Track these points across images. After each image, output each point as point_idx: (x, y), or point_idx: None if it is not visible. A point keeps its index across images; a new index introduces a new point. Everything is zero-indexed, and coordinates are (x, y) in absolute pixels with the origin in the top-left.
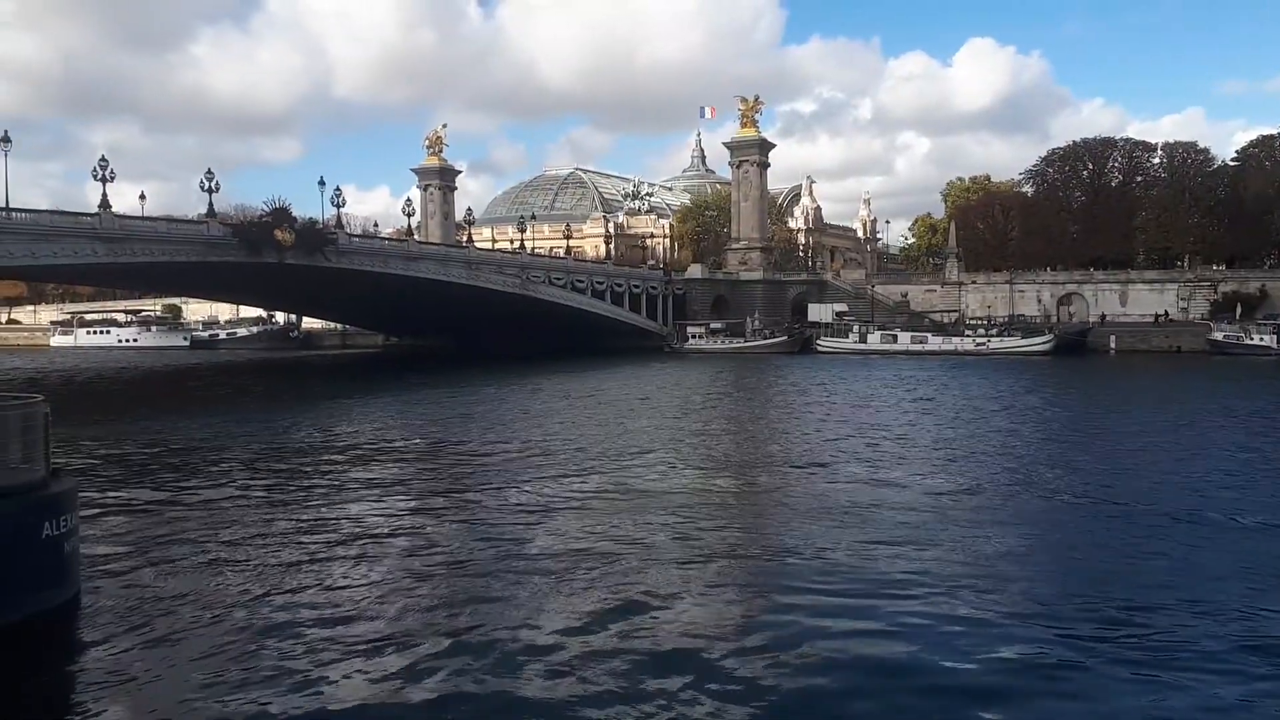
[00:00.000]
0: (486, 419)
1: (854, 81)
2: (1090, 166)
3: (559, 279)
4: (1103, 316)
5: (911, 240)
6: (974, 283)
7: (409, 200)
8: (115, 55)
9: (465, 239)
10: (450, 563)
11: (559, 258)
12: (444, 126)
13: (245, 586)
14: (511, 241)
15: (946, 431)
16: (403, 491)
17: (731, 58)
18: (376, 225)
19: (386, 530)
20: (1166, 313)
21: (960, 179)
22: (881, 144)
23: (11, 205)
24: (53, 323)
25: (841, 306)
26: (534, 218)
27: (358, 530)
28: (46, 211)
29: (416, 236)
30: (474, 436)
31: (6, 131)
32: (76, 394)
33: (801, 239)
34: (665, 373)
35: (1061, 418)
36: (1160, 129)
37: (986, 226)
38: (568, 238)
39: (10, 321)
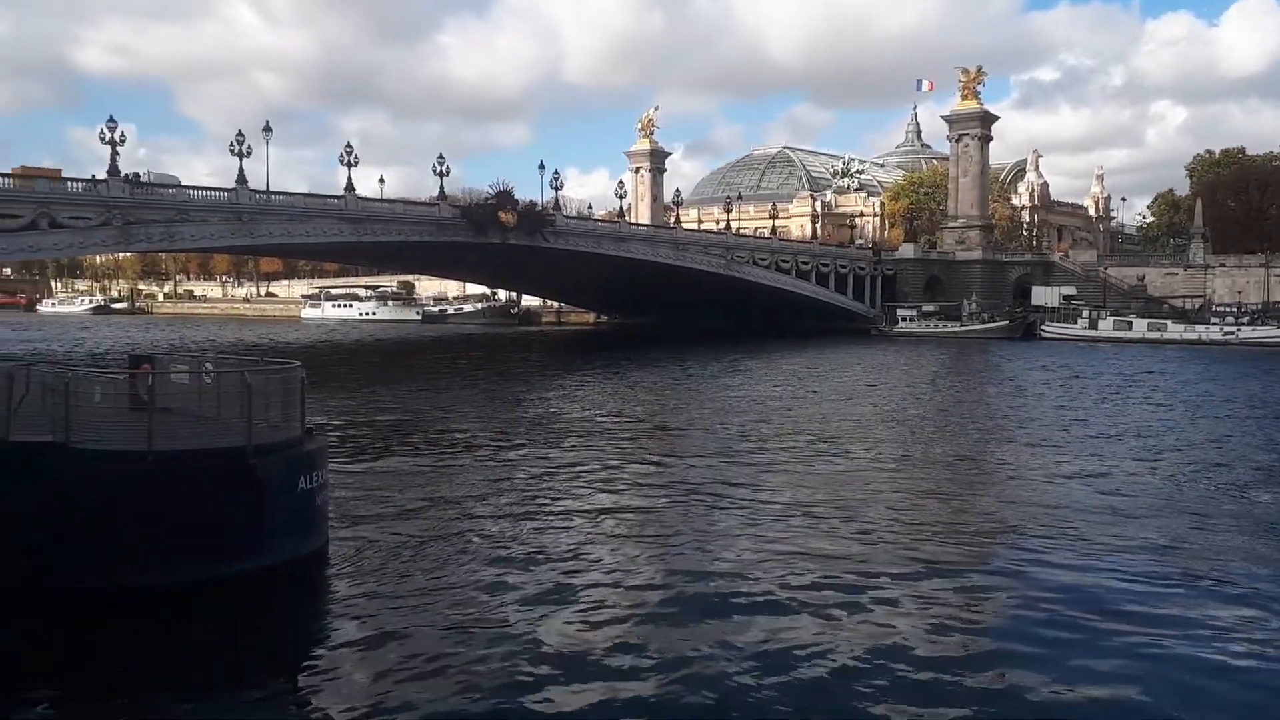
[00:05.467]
0: (701, 398)
1: (1106, 47)
2: None
3: (763, 259)
4: None
5: (1150, 219)
6: (1222, 266)
7: (621, 183)
8: (371, 48)
9: (673, 220)
10: (675, 539)
11: (764, 238)
12: (655, 109)
13: (479, 547)
14: (717, 222)
15: (1197, 433)
16: (630, 465)
17: (968, 27)
18: (590, 207)
19: (615, 502)
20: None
21: (1209, 152)
22: (1131, 114)
23: (271, 189)
24: (303, 296)
25: (1069, 289)
26: (740, 198)
27: (588, 498)
28: (300, 195)
29: (628, 218)
30: (690, 415)
31: (268, 122)
32: (326, 361)
33: (1025, 217)
34: (875, 356)
35: None
36: None
37: (1239, 204)
38: (773, 217)
39: (268, 294)
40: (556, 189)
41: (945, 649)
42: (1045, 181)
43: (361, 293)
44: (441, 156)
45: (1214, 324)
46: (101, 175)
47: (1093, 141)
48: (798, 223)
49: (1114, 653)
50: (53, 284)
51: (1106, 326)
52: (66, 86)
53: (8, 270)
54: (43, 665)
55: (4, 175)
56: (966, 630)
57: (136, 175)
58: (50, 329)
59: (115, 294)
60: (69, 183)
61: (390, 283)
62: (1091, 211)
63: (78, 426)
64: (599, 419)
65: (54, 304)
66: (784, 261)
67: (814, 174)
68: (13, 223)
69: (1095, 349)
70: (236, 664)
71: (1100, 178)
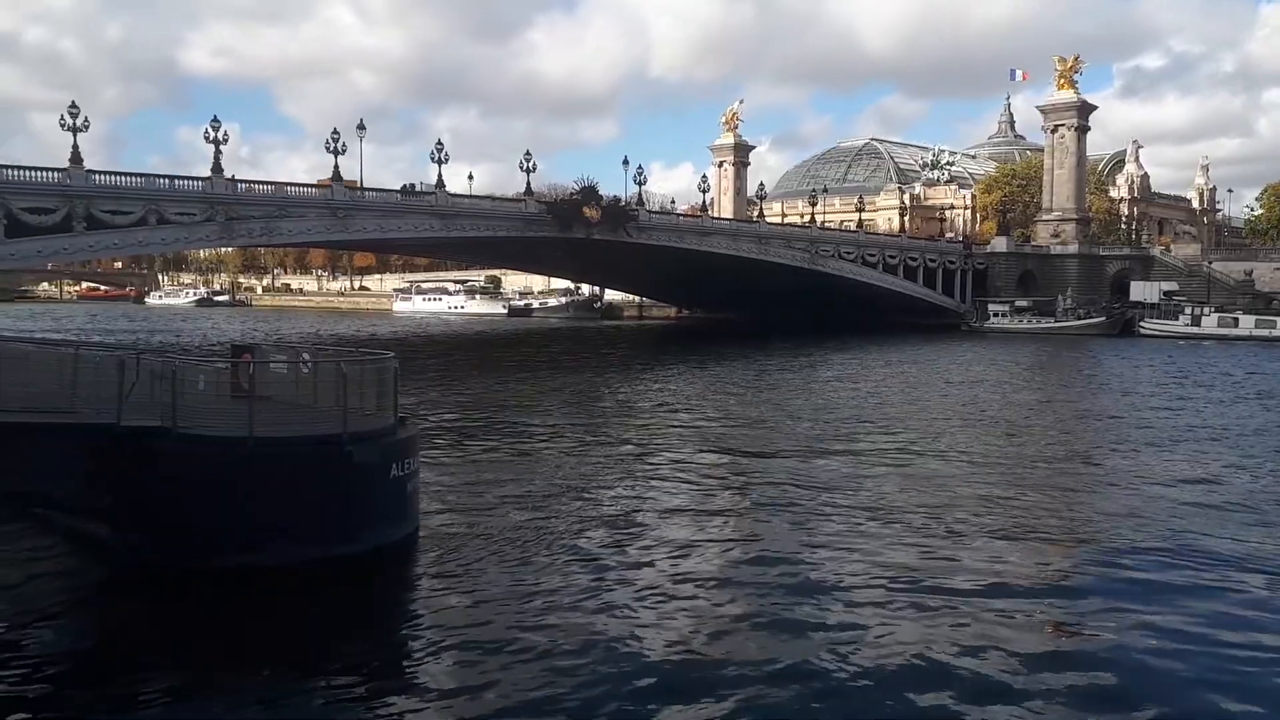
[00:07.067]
0: (789, 394)
1: (1216, 32)
2: None
3: (849, 253)
4: None
5: (1258, 212)
6: None
7: (704, 177)
8: (463, 45)
9: (756, 214)
10: (764, 539)
11: (849, 231)
12: (740, 103)
13: (566, 539)
14: (801, 216)
15: None
16: (720, 461)
17: (1069, 14)
18: (673, 202)
19: (706, 500)
20: None
21: None
22: (1242, 102)
23: (365, 185)
24: (395, 290)
25: (1171, 285)
26: (825, 191)
27: (677, 493)
28: (392, 190)
29: (710, 212)
30: (779, 411)
31: (362, 120)
32: (417, 353)
33: (1124, 210)
34: (966, 353)
35: None
36: None
37: None
38: (859, 210)
39: (362, 288)
40: (640, 184)
41: (1040, 666)
42: (1146, 173)
43: (451, 287)
44: (528, 153)
45: None
46: (206, 174)
47: (1199, 131)
48: (885, 216)
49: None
50: (160, 277)
51: (1210, 323)
52: (175, 88)
53: (118, 264)
54: (147, 642)
55: (309, 186)
56: (1061, 647)
57: (412, 186)
58: (158, 320)
59: (217, 287)
60: (175, 180)
61: (478, 277)
62: (1195, 204)
63: (184, 412)
64: (685, 413)
65: (161, 296)
66: (870, 255)
67: (902, 166)
68: (124, 219)
69: (1198, 347)
70: (327, 647)
71: (1205, 168)
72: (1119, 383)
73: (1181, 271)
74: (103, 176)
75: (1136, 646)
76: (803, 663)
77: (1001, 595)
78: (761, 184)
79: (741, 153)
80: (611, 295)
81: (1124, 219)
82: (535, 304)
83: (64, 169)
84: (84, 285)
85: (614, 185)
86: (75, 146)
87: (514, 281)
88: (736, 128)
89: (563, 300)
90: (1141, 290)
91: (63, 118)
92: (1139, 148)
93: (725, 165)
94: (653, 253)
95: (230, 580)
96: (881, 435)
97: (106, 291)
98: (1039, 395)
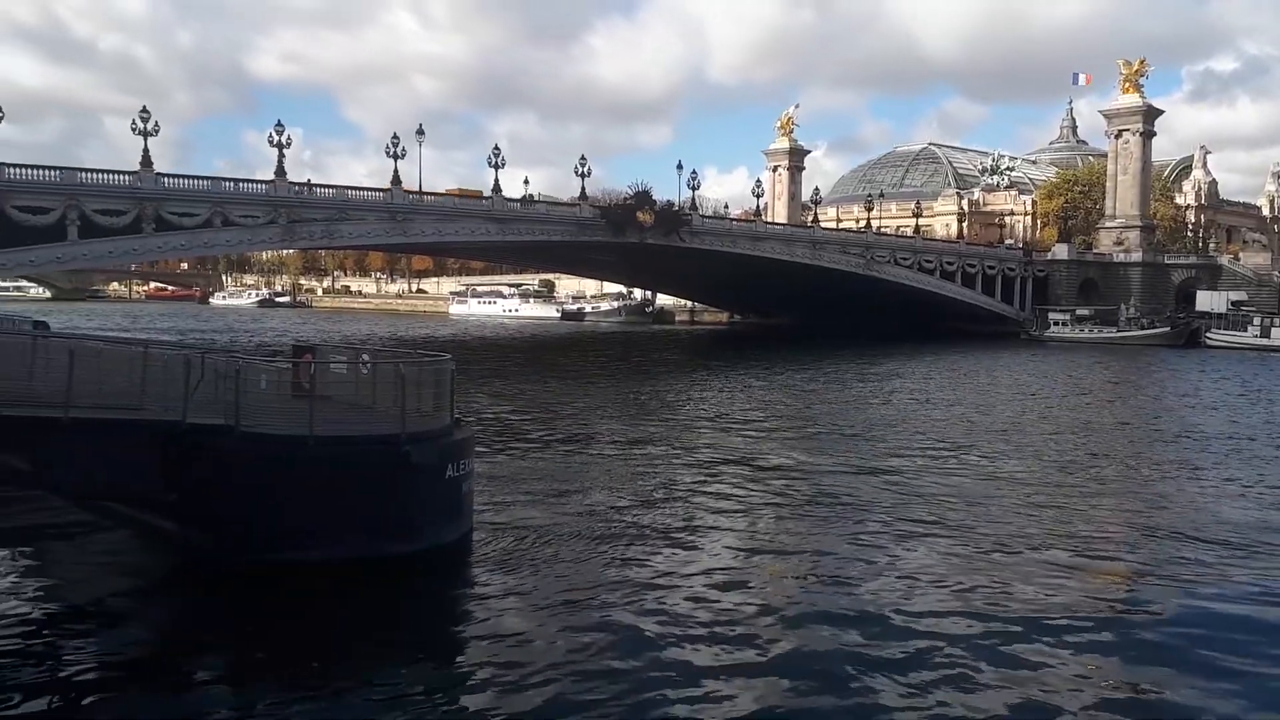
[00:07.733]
0: (845, 403)
1: None
2: None
3: (905, 259)
4: None
5: None
6: None
7: (758, 181)
8: (523, 50)
9: (811, 219)
10: (818, 554)
11: (906, 237)
12: (795, 108)
13: (618, 545)
14: (857, 221)
15: None
16: (779, 471)
17: (1138, 16)
18: (727, 207)
19: (763, 509)
20: None
21: None
22: None
23: (423, 190)
24: (451, 293)
25: (1239, 295)
26: (881, 196)
27: (732, 500)
28: (450, 195)
29: (764, 217)
30: (835, 420)
31: (421, 125)
32: (472, 355)
33: (1190, 217)
34: (1026, 363)
35: None
36: None
37: None
38: (916, 216)
39: (419, 291)
40: (694, 189)
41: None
42: (1214, 179)
43: (505, 290)
44: (583, 158)
45: None
46: (270, 177)
47: (1271, 136)
48: (942, 221)
49: None
50: (224, 278)
51: None
52: (243, 92)
53: (184, 265)
54: (207, 636)
55: (369, 189)
56: (1125, 684)
57: (531, 197)
58: (222, 320)
59: (279, 288)
60: (240, 183)
61: (532, 281)
62: (1265, 211)
63: (246, 411)
64: (739, 420)
65: (224, 297)
66: (927, 261)
67: (960, 171)
68: (191, 220)
69: (1268, 359)
70: (380, 645)
71: (1277, 175)
72: (1189, 397)
73: (1250, 281)
74: (171, 180)
75: (1201, 687)
76: (854, 687)
77: (1061, 627)
78: (816, 189)
79: (796, 157)
80: (663, 300)
81: (1190, 226)
82: (588, 308)
83: (135, 172)
84: (151, 285)
85: (668, 190)
86: (146, 150)
87: (567, 285)
88: (792, 132)
89: (615, 304)
90: (1208, 300)
91: (134, 122)
92: (1207, 153)
93: (780, 170)
94: (705, 257)
95: (288, 576)
96: (953, 452)
97: (173, 292)
98: (1109, 410)
